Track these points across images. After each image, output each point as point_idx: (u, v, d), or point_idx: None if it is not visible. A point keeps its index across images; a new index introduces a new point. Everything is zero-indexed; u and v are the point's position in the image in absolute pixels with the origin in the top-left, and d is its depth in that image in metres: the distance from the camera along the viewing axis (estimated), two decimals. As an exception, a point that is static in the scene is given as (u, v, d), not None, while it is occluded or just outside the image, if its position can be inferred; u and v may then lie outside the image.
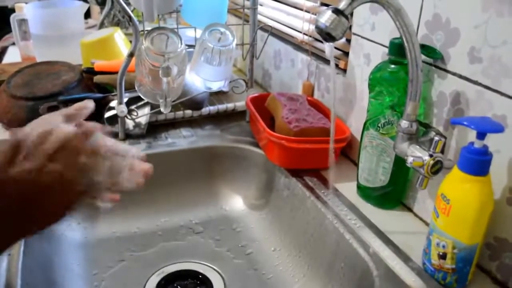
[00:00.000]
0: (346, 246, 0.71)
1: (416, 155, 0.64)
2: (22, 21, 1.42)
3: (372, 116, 0.75)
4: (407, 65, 0.63)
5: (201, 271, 0.82)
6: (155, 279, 0.80)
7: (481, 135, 0.55)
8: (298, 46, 1.10)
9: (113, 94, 1.04)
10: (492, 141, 0.59)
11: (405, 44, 0.61)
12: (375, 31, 0.81)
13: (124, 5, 0.87)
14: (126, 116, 0.98)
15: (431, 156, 0.62)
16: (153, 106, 0.99)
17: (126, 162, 0.52)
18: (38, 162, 0.44)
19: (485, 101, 0.61)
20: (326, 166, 0.86)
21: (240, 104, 1.11)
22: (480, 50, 0.61)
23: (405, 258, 0.66)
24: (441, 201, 0.59)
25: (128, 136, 1.00)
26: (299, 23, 1.05)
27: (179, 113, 1.06)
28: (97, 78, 1.07)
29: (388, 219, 0.75)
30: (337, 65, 0.94)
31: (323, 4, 0.99)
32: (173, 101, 0.94)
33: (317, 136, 0.85)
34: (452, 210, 0.57)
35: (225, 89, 1.02)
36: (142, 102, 1.01)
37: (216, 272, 0.82)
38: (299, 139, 0.84)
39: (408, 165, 0.64)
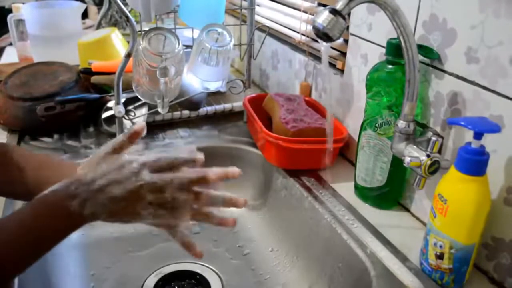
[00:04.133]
0: (344, 247, 0.71)
1: (413, 155, 0.64)
2: (19, 22, 1.42)
3: (370, 117, 0.76)
4: (404, 66, 0.63)
5: (198, 271, 0.82)
6: (152, 280, 0.80)
7: (478, 135, 0.55)
8: (295, 47, 1.10)
9: (110, 94, 1.04)
10: (489, 141, 0.59)
11: (402, 44, 0.61)
12: (372, 32, 0.81)
13: (122, 5, 0.86)
14: (123, 117, 0.98)
15: (428, 156, 0.62)
16: (151, 107, 0.99)
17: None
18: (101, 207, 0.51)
19: (482, 101, 0.61)
20: (324, 166, 0.86)
21: (237, 104, 1.11)
22: (477, 50, 0.61)
23: (403, 258, 0.66)
24: (438, 201, 0.59)
25: (126, 136, 1.00)
26: (297, 24, 1.05)
27: (177, 114, 1.06)
28: (95, 79, 1.07)
29: (386, 219, 0.75)
30: (334, 66, 0.94)
31: (320, 5, 0.99)
32: (171, 101, 0.94)
33: (315, 137, 0.85)
34: (449, 210, 0.57)
35: (222, 90, 1.02)
36: (139, 103, 1.01)
37: (214, 272, 0.82)
38: (296, 140, 0.84)
39: (406, 165, 0.64)
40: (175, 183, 0.53)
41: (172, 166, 0.55)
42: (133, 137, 0.57)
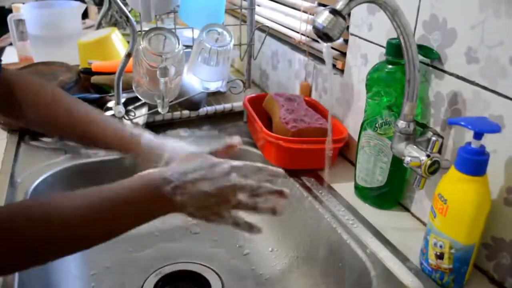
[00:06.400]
0: (344, 247, 0.71)
1: (413, 155, 0.64)
2: (19, 22, 1.42)
3: (370, 117, 0.76)
4: (404, 66, 0.63)
5: (198, 271, 0.82)
6: (152, 280, 0.80)
7: (478, 135, 0.55)
8: (295, 47, 1.10)
9: (110, 94, 1.04)
10: (489, 141, 0.59)
11: (402, 44, 0.61)
12: (372, 32, 0.81)
13: (122, 5, 0.87)
14: (123, 117, 0.98)
15: (428, 156, 0.62)
16: (151, 107, 0.99)
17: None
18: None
19: (482, 101, 0.61)
20: (324, 166, 0.86)
21: (237, 104, 1.11)
22: (477, 50, 0.61)
23: (403, 258, 0.66)
24: (438, 201, 0.59)
25: (126, 136, 1.00)
26: (297, 24, 1.05)
27: (177, 114, 1.06)
28: (95, 79, 1.07)
29: (386, 219, 0.75)
30: (334, 66, 0.94)
31: (320, 5, 0.99)
32: (171, 101, 0.94)
33: (315, 137, 0.85)
34: (449, 210, 0.57)
35: (222, 90, 1.02)
36: (139, 103, 1.01)
37: (214, 272, 0.82)
38: (296, 139, 0.84)
39: (405, 165, 0.64)
40: (261, 191, 0.57)
41: (258, 173, 0.58)
42: (229, 149, 0.62)
